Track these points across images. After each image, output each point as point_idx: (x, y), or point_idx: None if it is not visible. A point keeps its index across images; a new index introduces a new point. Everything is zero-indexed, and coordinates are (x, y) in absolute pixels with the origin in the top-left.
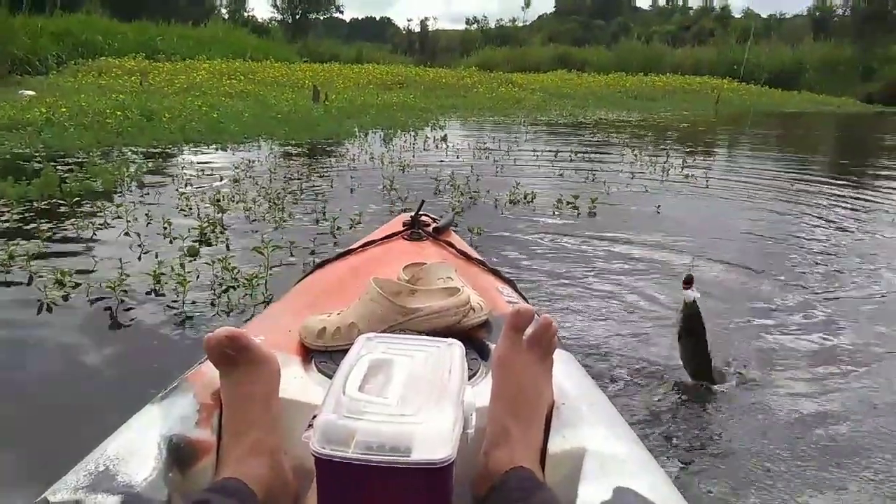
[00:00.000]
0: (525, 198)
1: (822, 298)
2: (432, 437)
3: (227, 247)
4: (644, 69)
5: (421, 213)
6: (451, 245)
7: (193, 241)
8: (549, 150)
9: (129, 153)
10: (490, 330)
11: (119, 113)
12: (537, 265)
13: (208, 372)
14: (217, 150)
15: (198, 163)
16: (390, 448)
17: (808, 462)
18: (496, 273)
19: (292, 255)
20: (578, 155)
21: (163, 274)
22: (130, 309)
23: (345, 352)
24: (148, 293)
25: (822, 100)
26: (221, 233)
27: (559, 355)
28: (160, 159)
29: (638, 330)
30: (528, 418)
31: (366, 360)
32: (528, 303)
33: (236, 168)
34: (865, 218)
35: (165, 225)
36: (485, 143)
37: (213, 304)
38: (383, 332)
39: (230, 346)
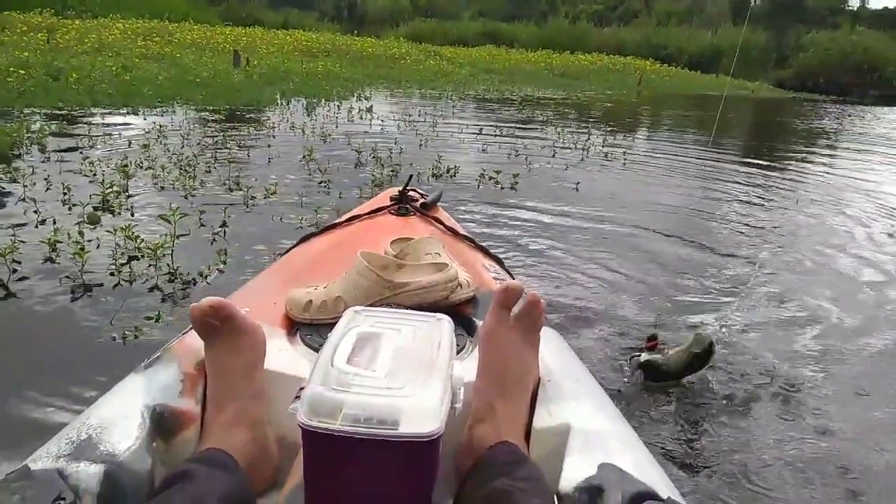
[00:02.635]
0: (448, 171)
1: (730, 266)
2: (420, 411)
3: (132, 214)
4: (571, 48)
5: (409, 188)
6: (439, 221)
7: (95, 208)
8: (475, 125)
9: (31, 114)
10: (477, 306)
11: (22, 71)
12: None
13: (193, 342)
14: (128, 113)
15: (106, 127)
16: (378, 421)
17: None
18: (483, 250)
19: (202, 225)
20: (503, 131)
21: (59, 242)
22: (24, 279)
23: (330, 325)
24: (44, 262)
25: (738, 84)
26: (126, 200)
27: (546, 332)
28: (65, 122)
29: (560, 298)
30: (513, 394)
31: (354, 333)
32: (514, 280)
33: (147, 133)
34: (776, 197)
35: (66, 191)
36: (410, 116)
37: (113, 275)
38: (370, 306)
39: (214, 317)
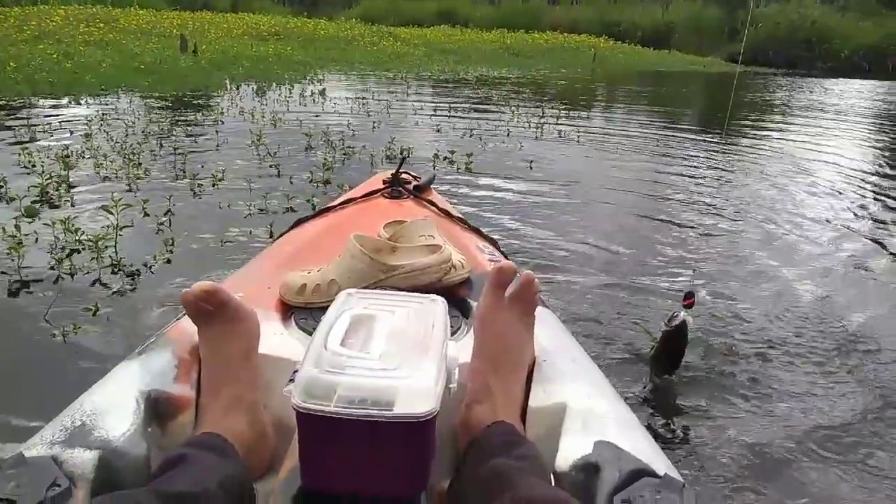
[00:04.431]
0: (401, 153)
1: (692, 239)
2: (415, 392)
3: (73, 206)
4: (525, 27)
5: (402, 170)
6: (433, 203)
7: (33, 201)
8: (429, 106)
9: None
10: (471, 288)
11: None
12: None
13: (187, 327)
14: (70, 102)
15: (46, 116)
16: (373, 402)
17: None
18: (478, 231)
19: (147, 215)
20: (458, 111)
21: None
22: None
23: (325, 309)
24: None
25: (690, 59)
26: (66, 192)
27: (541, 312)
28: (2, 112)
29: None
30: (509, 374)
31: (347, 315)
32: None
33: (89, 122)
34: (735, 168)
35: (2, 183)
36: (364, 98)
37: (53, 269)
38: (364, 288)
39: (207, 301)
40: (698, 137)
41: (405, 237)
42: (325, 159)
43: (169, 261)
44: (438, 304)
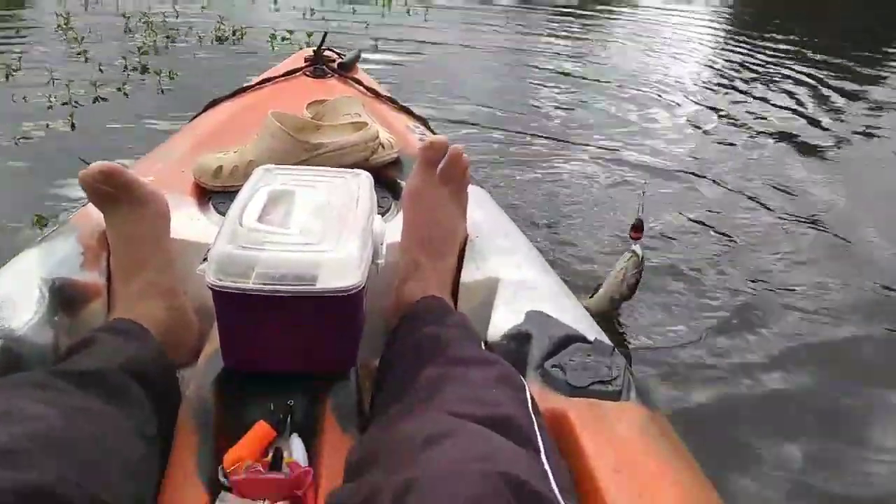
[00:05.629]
0: (234, 34)
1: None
2: (339, 265)
3: None
4: None
5: (324, 47)
6: (359, 82)
7: None
8: None
9: None
10: (401, 168)
11: None
12: None
13: (92, 213)
14: None
15: None
16: (294, 277)
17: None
18: (408, 111)
19: None
20: None
21: None
22: None
23: None
24: None
25: None
26: None
27: (474, 191)
28: None
29: None
30: (440, 251)
31: (264, 191)
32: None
33: None
34: (593, 41)
35: None
36: None
37: None
38: None
39: (107, 183)
40: (551, 19)
41: (328, 116)
42: (144, 42)
43: None
44: (363, 178)
